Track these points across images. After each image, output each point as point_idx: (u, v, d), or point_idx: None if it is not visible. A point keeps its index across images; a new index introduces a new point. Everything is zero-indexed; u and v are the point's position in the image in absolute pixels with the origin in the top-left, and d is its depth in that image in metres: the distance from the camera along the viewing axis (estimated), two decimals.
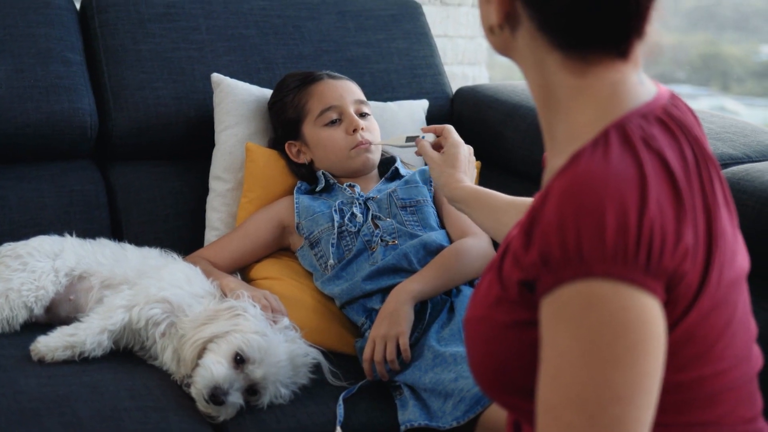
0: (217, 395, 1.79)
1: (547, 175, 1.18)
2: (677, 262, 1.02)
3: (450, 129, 1.97)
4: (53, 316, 2.05)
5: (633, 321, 1.00)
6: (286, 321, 1.97)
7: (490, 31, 1.17)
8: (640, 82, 1.13)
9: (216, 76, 2.44)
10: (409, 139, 2.01)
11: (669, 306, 1.04)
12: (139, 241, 2.26)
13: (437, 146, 1.97)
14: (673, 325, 1.05)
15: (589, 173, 1.03)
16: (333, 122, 2.30)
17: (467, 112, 2.74)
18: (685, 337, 1.06)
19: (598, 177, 1.02)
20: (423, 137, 2.00)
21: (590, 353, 1.00)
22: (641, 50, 1.11)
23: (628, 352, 1.00)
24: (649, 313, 1.01)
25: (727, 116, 2.49)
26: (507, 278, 1.11)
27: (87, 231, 2.25)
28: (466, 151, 1.94)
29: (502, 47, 1.17)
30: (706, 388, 1.10)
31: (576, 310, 1.01)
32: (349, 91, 2.34)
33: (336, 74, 2.39)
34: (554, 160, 1.14)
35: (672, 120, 1.11)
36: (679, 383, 1.09)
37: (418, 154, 2.00)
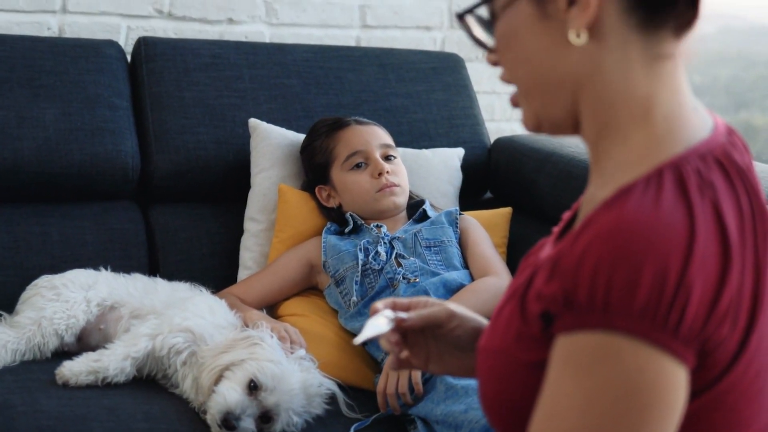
0: (229, 420, 1.84)
1: (587, 205, 1.11)
2: (713, 328, 0.96)
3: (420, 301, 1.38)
4: (84, 345, 2.12)
5: (646, 384, 0.95)
6: (302, 351, 2.01)
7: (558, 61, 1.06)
8: (695, 108, 1.07)
9: (253, 121, 2.52)
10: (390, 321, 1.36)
11: (701, 371, 0.98)
12: (174, 278, 2.31)
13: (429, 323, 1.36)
14: (702, 390, 1.00)
15: (636, 219, 0.96)
16: (359, 166, 2.36)
17: (503, 161, 2.78)
18: (713, 404, 1.01)
19: (644, 225, 0.95)
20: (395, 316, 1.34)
21: (591, 405, 0.96)
22: (683, 49, 1.05)
23: (631, 414, 0.95)
24: (668, 378, 0.95)
25: None
26: (530, 312, 1.05)
27: (125, 267, 2.31)
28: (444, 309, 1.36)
29: (572, 74, 1.06)
30: None
31: (589, 359, 0.96)
32: (375, 135, 2.40)
33: (364, 120, 2.45)
34: (598, 190, 1.07)
35: (732, 165, 1.04)
36: None
37: None
